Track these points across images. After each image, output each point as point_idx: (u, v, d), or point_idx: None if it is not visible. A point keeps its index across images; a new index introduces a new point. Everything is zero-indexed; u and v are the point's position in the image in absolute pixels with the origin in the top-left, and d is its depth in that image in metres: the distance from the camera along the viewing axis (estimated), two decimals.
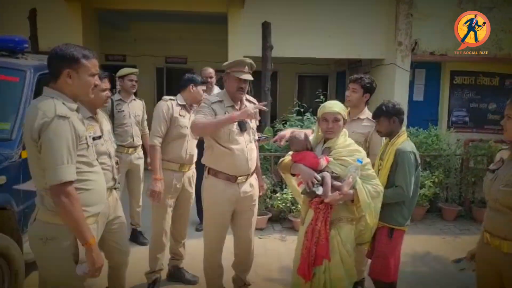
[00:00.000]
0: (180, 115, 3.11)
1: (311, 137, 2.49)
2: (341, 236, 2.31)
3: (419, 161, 2.64)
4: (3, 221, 2.72)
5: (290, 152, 2.49)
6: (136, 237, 4.13)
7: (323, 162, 2.30)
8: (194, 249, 3.55)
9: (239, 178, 2.64)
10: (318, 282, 2.31)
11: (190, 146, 3.17)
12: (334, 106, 2.35)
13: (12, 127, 2.88)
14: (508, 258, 1.87)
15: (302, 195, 2.46)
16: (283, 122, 5.52)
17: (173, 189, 3.11)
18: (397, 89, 6.74)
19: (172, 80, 9.97)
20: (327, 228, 2.29)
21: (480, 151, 5.29)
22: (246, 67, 2.60)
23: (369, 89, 3.01)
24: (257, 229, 4.57)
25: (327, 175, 2.27)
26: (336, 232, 2.31)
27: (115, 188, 2.45)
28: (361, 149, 2.41)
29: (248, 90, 2.77)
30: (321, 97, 5.06)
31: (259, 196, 2.94)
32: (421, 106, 7.45)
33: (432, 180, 4.94)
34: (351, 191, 2.27)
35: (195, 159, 3.25)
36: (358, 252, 3.06)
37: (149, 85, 10.00)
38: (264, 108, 2.66)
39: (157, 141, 3.03)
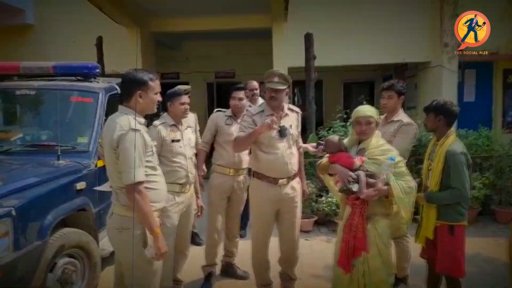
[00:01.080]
0: (226, 124, 3.45)
1: (345, 140, 2.71)
2: (377, 229, 2.49)
3: (470, 161, 2.68)
4: (83, 220, 3.19)
5: (327, 155, 2.72)
6: (192, 238, 4.51)
7: (357, 161, 2.51)
8: (244, 248, 3.85)
9: (280, 180, 2.91)
10: (357, 273, 2.49)
11: (239, 153, 3.45)
12: (367, 110, 2.56)
13: (89, 141, 3.38)
14: None
15: (339, 193, 2.67)
16: (327, 129, 5.70)
17: (223, 192, 3.44)
18: (445, 91, 6.66)
19: (221, 93, 10.52)
20: (364, 222, 2.48)
21: None
22: (276, 78, 2.86)
23: (402, 92, 3.19)
24: (303, 231, 4.82)
25: (362, 173, 2.48)
26: (373, 226, 2.50)
27: (190, 185, 3.01)
28: (393, 148, 2.58)
29: (295, 99, 3.05)
30: (364, 102, 5.19)
31: (303, 200, 3.17)
32: (472, 107, 7.26)
33: (482, 181, 4.87)
34: (385, 187, 2.45)
35: (245, 164, 3.52)
36: (401, 250, 3.21)
37: (201, 99, 10.62)
38: (274, 120, 2.78)
39: (202, 146, 3.51)
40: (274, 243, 3.19)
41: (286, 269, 3.23)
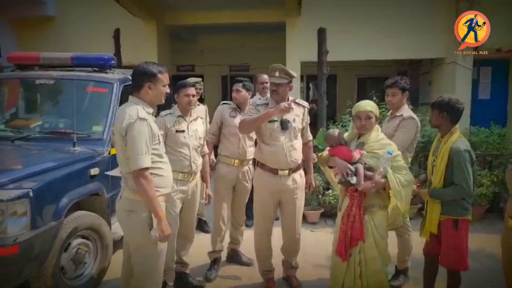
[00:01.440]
0: (231, 116, 3.58)
1: (346, 134, 2.79)
2: (374, 221, 2.58)
3: (474, 158, 2.71)
4: (96, 204, 3.37)
5: (328, 148, 2.81)
6: (201, 225, 4.67)
7: (356, 154, 2.59)
8: (250, 237, 3.98)
9: (280, 171, 3.02)
10: (354, 261, 2.59)
11: (243, 144, 3.57)
12: (366, 105, 2.64)
13: (103, 129, 3.55)
14: None
15: (339, 185, 2.76)
16: (338, 123, 5.75)
17: (228, 181, 3.57)
18: (458, 88, 6.63)
19: None
20: (361, 213, 2.58)
21: None
22: (277, 72, 2.97)
23: (406, 88, 3.24)
24: (310, 223, 4.94)
25: (360, 166, 2.56)
26: (370, 217, 2.59)
27: (194, 174, 3.13)
28: (392, 142, 2.66)
29: (310, 93, 3.14)
30: (374, 98, 5.23)
31: (309, 193, 3.24)
32: (487, 104, 7.19)
33: (491, 179, 4.86)
34: (383, 180, 2.54)
35: (250, 156, 3.63)
36: (402, 242, 3.29)
37: (215, 91, 10.78)
38: (291, 105, 2.88)
39: (208, 137, 3.63)
40: (279, 232, 3.31)
41: (288, 258, 3.35)
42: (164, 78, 2.38)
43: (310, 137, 3.36)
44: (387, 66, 9.92)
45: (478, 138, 5.32)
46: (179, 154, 3.06)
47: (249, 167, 3.69)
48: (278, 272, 3.46)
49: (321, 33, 6.25)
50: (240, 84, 3.63)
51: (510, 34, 6.50)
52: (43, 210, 2.72)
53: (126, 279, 2.51)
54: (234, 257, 3.83)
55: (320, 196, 5.03)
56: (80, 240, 3.12)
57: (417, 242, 3.18)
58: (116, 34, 6.64)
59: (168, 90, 2.42)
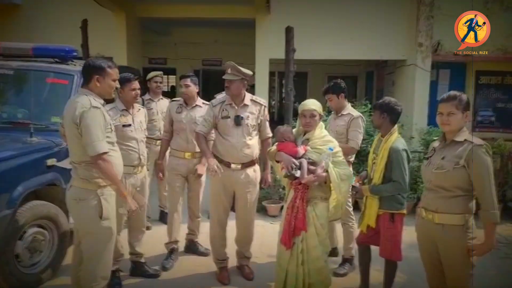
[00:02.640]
0: (177, 112, 3.70)
1: (294, 131, 2.96)
2: (316, 211, 2.76)
3: (410, 157, 2.95)
4: (54, 195, 3.43)
5: (276, 143, 2.97)
6: (163, 217, 4.77)
7: (300, 150, 2.77)
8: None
9: (232, 165, 3.17)
10: (297, 249, 2.77)
11: (191, 138, 3.62)
12: (310, 104, 2.81)
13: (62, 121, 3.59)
14: (439, 227, 2.28)
15: (285, 178, 2.93)
16: None
17: (178, 173, 3.68)
18: (417, 89, 6.92)
19: (208, 81, 10.69)
20: (304, 204, 2.75)
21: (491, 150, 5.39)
22: (229, 69, 3.14)
23: (341, 90, 3.49)
24: (270, 216, 5.13)
25: (304, 161, 2.74)
26: (312, 208, 2.77)
27: (142, 166, 3.20)
28: (333, 139, 2.85)
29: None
30: None
31: (270, 187, 3.35)
32: None
33: None
34: (324, 174, 2.72)
35: (198, 149, 3.63)
36: (346, 232, 3.52)
37: None
38: (216, 170, 3.04)
39: (163, 135, 3.78)
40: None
41: (241, 248, 3.51)
42: (113, 72, 2.48)
43: (269, 134, 3.44)
44: (356, 66, 10.21)
45: (430, 137, 5.62)
46: (127, 147, 3.12)
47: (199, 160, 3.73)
48: (234, 262, 3.62)
49: (289, 31, 6.39)
50: (188, 79, 3.73)
51: None
52: None
53: (77, 265, 2.61)
54: (192, 247, 3.96)
55: (281, 190, 5.21)
56: (35, 229, 3.17)
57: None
58: (84, 25, 6.57)
59: (118, 85, 2.52)
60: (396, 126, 2.98)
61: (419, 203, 2.58)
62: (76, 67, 3.98)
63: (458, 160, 2.21)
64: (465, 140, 2.25)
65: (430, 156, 2.40)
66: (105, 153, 2.37)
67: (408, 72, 7.16)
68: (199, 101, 3.80)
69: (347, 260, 3.62)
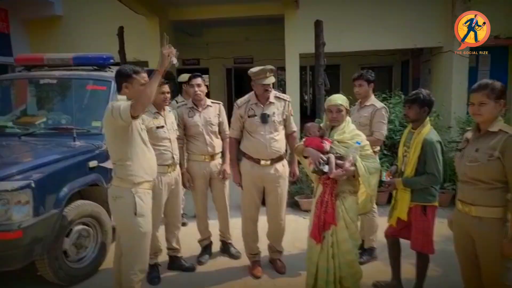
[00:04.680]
0: (189, 116, 3.61)
1: (321, 125, 2.98)
2: (345, 205, 2.77)
3: (444, 149, 2.87)
4: (96, 194, 3.65)
5: (304, 139, 3.00)
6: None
7: (326, 144, 2.78)
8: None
9: (262, 161, 3.24)
10: (327, 243, 2.79)
11: (209, 140, 3.59)
12: (337, 99, 2.82)
13: (101, 125, 3.80)
14: (476, 220, 2.23)
15: (313, 174, 2.95)
16: None
17: (201, 176, 3.65)
18: (455, 77, 6.66)
19: (241, 79, 10.82)
20: (333, 199, 2.77)
21: None
22: (267, 73, 3.16)
23: (372, 80, 3.56)
24: (304, 210, 5.15)
25: (331, 156, 2.75)
26: (341, 203, 2.78)
27: (175, 165, 3.33)
28: (361, 133, 2.84)
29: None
30: None
31: (294, 182, 3.39)
32: None
33: None
34: (352, 168, 2.72)
35: (218, 149, 3.67)
36: (368, 222, 3.54)
37: (220, 84, 10.99)
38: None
39: (178, 142, 3.57)
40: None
41: (272, 242, 3.57)
42: (140, 78, 2.59)
43: (294, 128, 3.47)
44: (390, 55, 9.93)
45: (472, 125, 5.38)
46: (161, 148, 3.21)
47: (219, 162, 3.71)
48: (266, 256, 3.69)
49: (318, 25, 6.35)
50: (199, 78, 3.65)
51: (509, 21, 6.48)
52: (45, 199, 3.01)
53: (118, 257, 2.80)
54: (225, 249, 3.96)
55: (312, 184, 5.19)
56: (81, 226, 3.41)
57: (383, 227, 3.28)
58: (120, 32, 6.87)
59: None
60: (428, 118, 2.93)
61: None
62: (113, 73, 4.19)
63: (492, 152, 2.14)
64: (500, 130, 2.17)
65: (463, 148, 2.33)
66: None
67: (445, 59, 6.90)
68: (208, 101, 3.71)
69: (366, 250, 3.62)
